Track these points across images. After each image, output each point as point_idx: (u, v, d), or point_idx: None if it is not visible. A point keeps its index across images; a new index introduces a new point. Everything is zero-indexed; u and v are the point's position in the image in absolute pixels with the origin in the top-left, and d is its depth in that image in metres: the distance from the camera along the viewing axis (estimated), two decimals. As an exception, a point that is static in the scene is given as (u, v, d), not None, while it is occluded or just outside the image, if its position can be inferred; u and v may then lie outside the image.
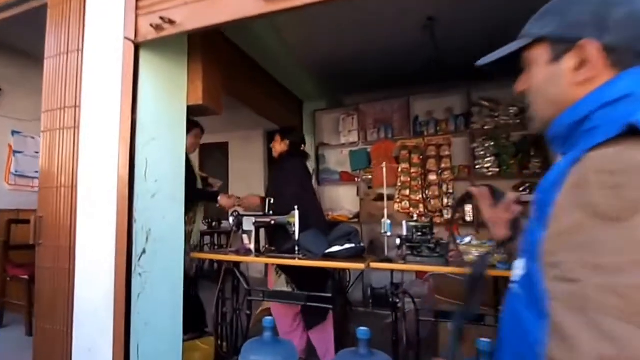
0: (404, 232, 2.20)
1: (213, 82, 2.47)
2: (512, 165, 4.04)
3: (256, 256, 2.38)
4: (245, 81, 3.95)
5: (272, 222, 2.39)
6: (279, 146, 2.84)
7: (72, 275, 1.86)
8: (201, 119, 2.91)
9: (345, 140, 4.85)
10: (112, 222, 1.78)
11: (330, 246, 2.22)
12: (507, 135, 4.12)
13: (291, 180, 2.62)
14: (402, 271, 2.36)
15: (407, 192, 4.31)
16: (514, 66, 0.76)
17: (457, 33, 3.68)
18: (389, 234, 2.27)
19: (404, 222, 2.21)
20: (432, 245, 2.12)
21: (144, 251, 1.83)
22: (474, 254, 2.05)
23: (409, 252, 2.18)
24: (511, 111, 4.03)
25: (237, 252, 2.46)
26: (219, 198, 2.88)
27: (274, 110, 4.71)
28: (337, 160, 5.12)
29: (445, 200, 4.15)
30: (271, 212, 2.49)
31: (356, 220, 4.75)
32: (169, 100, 2.05)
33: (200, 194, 2.96)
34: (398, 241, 2.18)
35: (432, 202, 4.19)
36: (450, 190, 4.14)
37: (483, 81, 4.13)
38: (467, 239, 2.13)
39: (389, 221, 2.26)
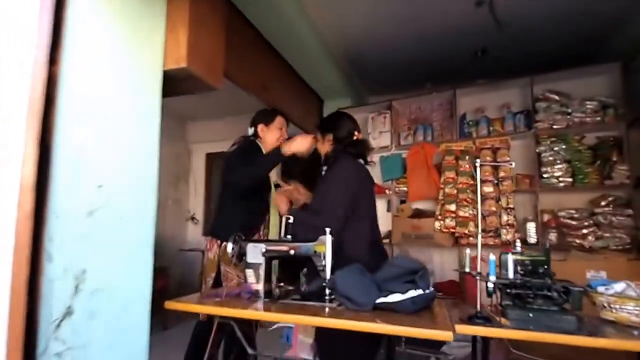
0: (491, 269, 1.39)
1: (208, 39, 1.70)
2: (589, 174, 3.18)
3: (267, 304, 1.52)
4: (254, 64, 3.20)
5: (292, 252, 1.58)
6: (322, 147, 2.08)
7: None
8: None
9: (375, 145, 4.05)
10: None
11: (383, 292, 1.40)
12: (580, 136, 3.28)
13: (333, 192, 1.79)
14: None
15: (453, 206, 3.47)
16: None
17: (517, 13, 2.92)
18: (479, 274, 1.43)
19: (491, 255, 1.39)
20: (553, 294, 1.29)
21: (69, 312, 1.05)
22: (630, 312, 1.22)
23: (509, 303, 1.36)
24: (589, 106, 3.19)
25: (238, 295, 1.64)
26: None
27: (290, 107, 3.95)
28: (364, 168, 4.29)
29: (505, 218, 3.29)
30: (289, 236, 1.69)
31: (387, 241, 3.91)
32: (130, 54, 1.29)
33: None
34: (491, 285, 1.35)
35: (488, 219, 3.34)
36: (511, 205, 3.28)
37: (550, 70, 3.32)
38: (619, 286, 1.28)
39: (492, 257, 1.41)
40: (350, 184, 1.77)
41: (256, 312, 1.37)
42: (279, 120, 2.39)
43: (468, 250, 1.56)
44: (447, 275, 3.70)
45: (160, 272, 4.71)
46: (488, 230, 3.39)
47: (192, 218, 6.35)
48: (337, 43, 3.51)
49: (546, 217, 3.35)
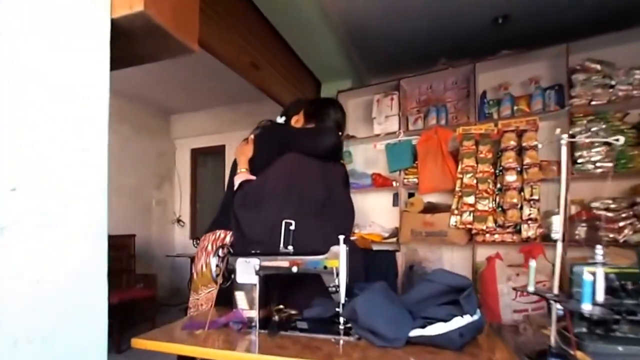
0: (586, 291, 0.92)
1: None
2: (634, 157, 2.65)
3: (263, 338, 1.05)
4: (243, 37, 2.76)
5: (295, 270, 1.12)
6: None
7: None
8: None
9: (381, 130, 3.55)
10: None
11: (418, 320, 0.95)
12: (623, 113, 2.74)
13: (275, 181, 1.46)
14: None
15: (471, 199, 2.96)
16: None
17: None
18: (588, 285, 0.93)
19: (585, 274, 0.91)
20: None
21: None
22: None
23: (584, 331, 0.92)
24: (637, 77, 2.64)
25: (226, 326, 1.17)
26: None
27: (283, 90, 3.48)
28: (368, 158, 3.80)
29: (528, 212, 2.77)
30: (290, 247, 1.23)
31: (393, 240, 3.43)
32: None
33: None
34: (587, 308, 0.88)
35: (509, 213, 2.82)
36: (535, 197, 2.76)
37: (589, 35, 2.77)
38: None
39: (588, 276, 0.90)
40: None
41: (247, 356, 0.92)
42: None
43: (533, 264, 1.09)
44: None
45: (147, 281, 4.33)
46: (507, 225, 2.88)
47: (179, 221, 5.92)
48: (338, 14, 3.02)
49: (574, 209, 2.82)
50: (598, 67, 2.74)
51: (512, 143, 2.87)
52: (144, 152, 5.37)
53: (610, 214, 2.58)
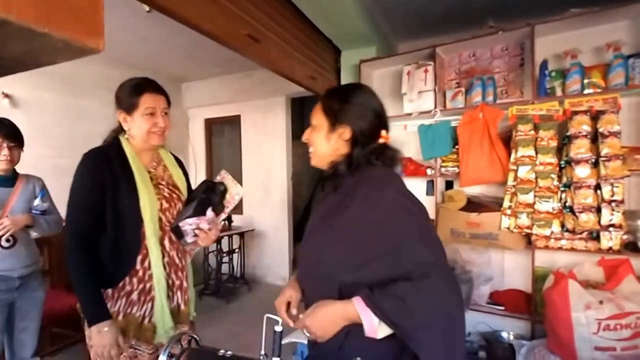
0: None
1: None
2: None
3: None
4: (234, 2, 2.20)
5: None
6: (325, 144, 1.22)
7: None
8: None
9: (413, 109, 2.96)
10: None
11: None
12: None
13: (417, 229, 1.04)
14: None
15: (529, 198, 2.43)
16: None
17: None
18: None
19: None
20: None
21: None
22: None
23: None
24: None
25: None
26: None
27: (293, 63, 2.92)
28: (397, 140, 3.19)
29: (609, 216, 2.25)
30: None
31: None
32: None
33: None
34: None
35: (581, 217, 2.30)
36: (618, 197, 2.22)
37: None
38: None
39: None
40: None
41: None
42: (145, 102, 1.41)
43: None
44: (508, 282, 2.77)
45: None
46: (579, 231, 2.36)
47: None
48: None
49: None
50: None
51: (585, 128, 2.29)
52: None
53: None
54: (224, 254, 4.68)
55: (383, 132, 1.11)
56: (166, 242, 1.43)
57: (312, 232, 1.14)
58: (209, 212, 1.45)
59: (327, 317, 0.94)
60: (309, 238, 1.15)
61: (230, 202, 1.55)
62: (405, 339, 0.85)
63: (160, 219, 1.41)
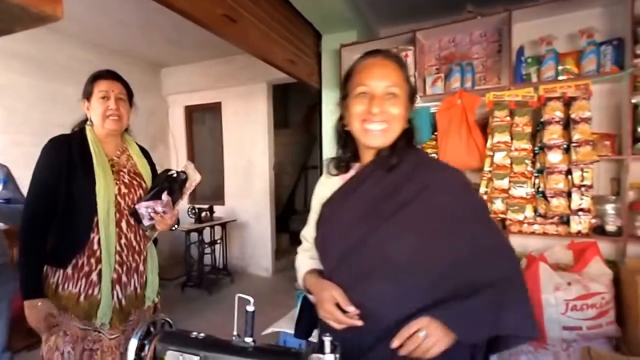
0: None
1: None
2: None
3: None
4: None
5: None
6: (398, 112, 0.99)
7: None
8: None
9: (391, 94, 2.97)
10: None
11: None
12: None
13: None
14: None
15: (504, 183, 2.47)
16: None
17: None
18: None
19: None
20: None
21: None
22: None
23: None
24: None
25: None
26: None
27: (272, 45, 2.88)
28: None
29: (578, 200, 2.29)
30: (250, 340, 0.75)
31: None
32: None
33: None
34: None
35: (553, 202, 2.34)
36: (587, 182, 2.27)
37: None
38: None
39: None
40: None
41: None
42: (98, 88, 1.51)
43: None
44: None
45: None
46: (551, 216, 2.41)
47: None
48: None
49: (632, 195, 2.35)
50: (676, 15, 2.15)
51: (558, 114, 2.33)
52: (133, 111, 4.79)
53: (683, 207, 2.11)
54: (206, 245, 4.63)
55: None
56: (123, 225, 1.49)
57: (363, 219, 0.95)
58: (164, 196, 1.51)
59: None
60: (357, 226, 0.95)
61: (188, 188, 1.63)
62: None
63: (119, 203, 1.48)
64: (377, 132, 0.94)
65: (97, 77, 1.51)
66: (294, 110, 7.13)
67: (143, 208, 1.50)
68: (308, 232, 1.16)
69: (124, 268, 1.49)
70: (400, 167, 0.95)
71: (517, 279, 0.90)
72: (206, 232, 4.65)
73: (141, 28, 3.79)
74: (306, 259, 1.14)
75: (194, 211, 4.56)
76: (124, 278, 1.48)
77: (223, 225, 4.85)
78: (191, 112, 5.49)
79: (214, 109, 5.26)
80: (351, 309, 0.89)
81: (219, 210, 5.03)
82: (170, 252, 5.19)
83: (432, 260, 0.87)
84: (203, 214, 4.63)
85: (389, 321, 0.87)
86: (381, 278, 0.90)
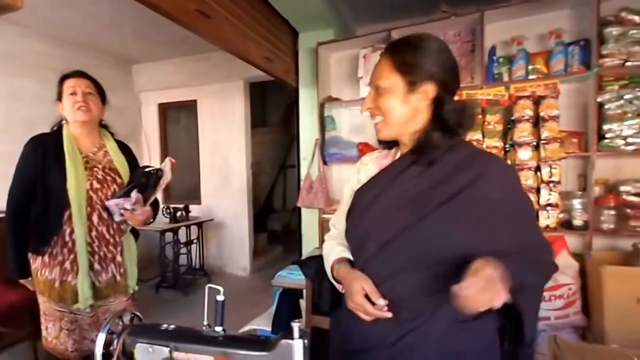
0: None
1: None
2: (673, 132, 2.23)
3: None
4: None
5: None
6: (401, 106, 0.95)
7: None
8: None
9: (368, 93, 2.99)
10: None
11: None
12: (661, 78, 2.29)
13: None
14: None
15: (477, 179, 2.52)
16: None
17: None
18: None
19: None
20: None
21: None
22: None
23: None
24: (685, 32, 2.17)
25: None
26: None
27: (248, 43, 2.86)
28: (354, 124, 3.28)
29: (547, 196, 2.37)
30: (220, 329, 0.75)
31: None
32: None
33: None
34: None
35: (523, 197, 2.41)
36: (555, 178, 2.35)
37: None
38: None
39: None
40: None
41: None
42: (66, 86, 1.64)
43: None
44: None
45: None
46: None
47: None
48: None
49: (598, 191, 2.44)
50: (636, 18, 2.25)
51: (528, 112, 2.40)
52: (107, 108, 4.69)
53: (644, 201, 2.20)
54: (182, 245, 4.55)
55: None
56: (95, 218, 1.60)
57: (408, 208, 0.91)
58: (133, 194, 1.57)
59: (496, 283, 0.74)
60: (400, 215, 0.91)
61: (160, 186, 1.70)
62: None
63: (90, 198, 1.58)
64: (377, 125, 0.98)
65: (64, 77, 1.64)
66: (272, 109, 7.10)
67: (113, 205, 1.57)
68: (338, 220, 1.14)
69: (96, 257, 1.60)
70: (445, 158, 0.92)
71: (546, 277, 0.92)
72: (182, 232, 4.57)
73: (111, 22, 3.65)
74: (335, 245, 1.11)
75: (168, 211, 4.47)
76: (96, 266, 1.60)
77: (199, 225, 4.77)
78: (165, 110, 5.37)
79: (190, 107, 5.17)
80: (381, 301, 0.88)
81: (195, 210, 4.95)
82: (144, 253, 5.04)
83: (473, 255, 0.80)
84: (178, 214, 4.54)
85: (421, 313, 0.87)
86: (421, 271, 0.88)
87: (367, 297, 0.90)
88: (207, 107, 5.03)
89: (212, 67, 4.70)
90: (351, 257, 1.04)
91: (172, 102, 5.23)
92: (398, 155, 1.02)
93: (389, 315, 0.88)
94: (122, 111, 4.96)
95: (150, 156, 5.31)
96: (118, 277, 1.67)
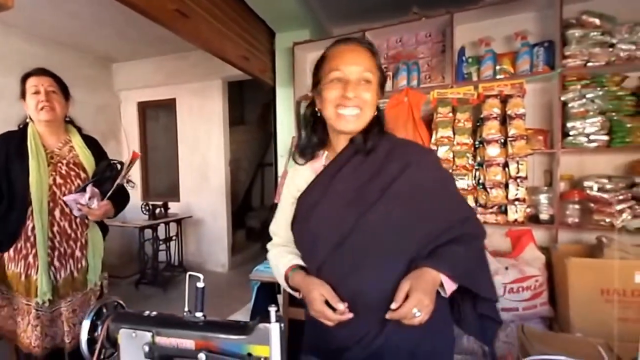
0: None
1: None
2: (633, 130, 2.33)
3: None
4: None
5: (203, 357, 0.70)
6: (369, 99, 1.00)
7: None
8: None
9: (342, 92, 3.04)
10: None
11: None
12: (621, 77, 2.40)
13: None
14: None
15: (448, 176, 2.60)
16: None
17: None
18: None
19: None
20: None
21: None
22: None
23: None
24: (641, 35, 2.28)
25: None
26: None
27: (225, 42, 2.87)
28: (330, 123, 3.33)
29: (514, 191, 2.46)
30: (199, 314, 0.79)
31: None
32: None
33: None
34: None
35: (492, 192, 2.50)
36: (522, 174, 2.44)
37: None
38: None
39: None
40: None
41: None
42: (29, 85, 1.64)
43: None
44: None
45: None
46: (490, 206, 2.56)
47: (128, 181, 5.26)
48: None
49: (563, 186, 2.54)
50: (597, 21, 2.34)
51: (496, 110, 2.48)
52: (80, 106, 4.58)
53: (605, 195, 2.29)
54: (161, 242, 4.54)
55: None
56: (57, 213, 1.61)
57: (352, 205, 0.94)
58: (88, 189, 1.59)
59: (432, 288, 0.86)
60: (346, 213, 0.94)
61: (121, 178, 1.73)
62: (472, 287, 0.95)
63: (54, 193, 1.60)
64: (350, 117, 0.95)
65: (27, 75, 1.63)
66: (250, 108, 7.09)
67: (70, 200, 1.59)
68: (280, 227, 1.13)
69: (56, 253, 1.61)
70: (379, 149, 0.97)
71: (481, 242, 1.03)
72: (161, 229, 4.56)
73: (92, 21, 3.64)
74: (283, 253, 1.09)
75: (147, 208, 4.45)
76: (56, 262, 1.62)
77: (178, 222, 4.77)
78: (145, 109, 5.34)
79: (168, 106, 5.15)
80: (340, 306, 0.88)
81: (174, 207, 4.93)
82: (122, 250, 5.04)
83: (414, 235, 0.91)
84: (157, 211, 4.52)
85: (383, 306, 0.88)
86: (374, 263, 0.91)
87: (327, 302, 0.90)
88: (186, 106, 5.01)
89: (191, 66, 4.69)
90: (303, 264, 1.04)
91: (152, 101, 5.21)
92: (325, 157, 1.05)
93: (351, 316, 0.89)
94: (102, 109, 4.92)
95: (129, 154, 5.24)
96: (76, 273, 1.68)
